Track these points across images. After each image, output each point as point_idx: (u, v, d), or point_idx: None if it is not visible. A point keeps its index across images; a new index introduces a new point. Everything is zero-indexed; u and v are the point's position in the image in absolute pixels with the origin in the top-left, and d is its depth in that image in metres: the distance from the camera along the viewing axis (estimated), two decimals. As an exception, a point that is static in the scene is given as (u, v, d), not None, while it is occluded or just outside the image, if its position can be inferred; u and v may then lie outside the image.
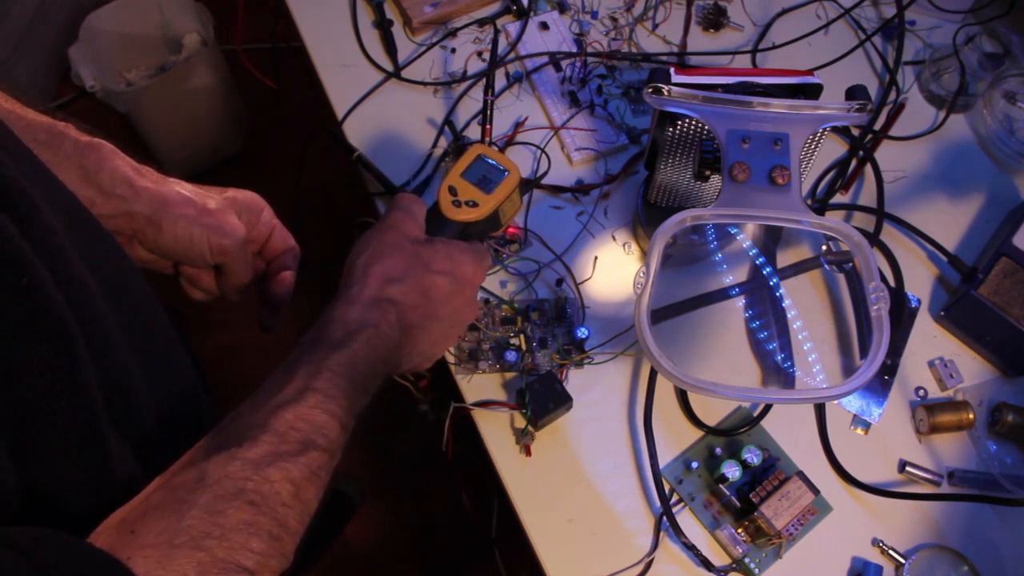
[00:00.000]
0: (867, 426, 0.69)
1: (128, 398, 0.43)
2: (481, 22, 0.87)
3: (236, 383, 1.42)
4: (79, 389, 0.37)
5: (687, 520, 0.64)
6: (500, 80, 0.83)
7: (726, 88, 0.62)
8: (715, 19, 0.88)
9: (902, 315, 0.73)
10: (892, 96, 0.84)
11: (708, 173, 0.67)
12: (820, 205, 0.78)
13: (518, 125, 0.80)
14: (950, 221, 0.79)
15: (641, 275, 0.56)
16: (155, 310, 0.50)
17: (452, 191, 0.60)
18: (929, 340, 0.73)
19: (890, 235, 0.77)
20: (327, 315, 0.50)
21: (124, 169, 0.53)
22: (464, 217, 0.60)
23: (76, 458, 0.37)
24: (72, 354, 0.37)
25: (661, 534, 0.63)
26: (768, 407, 0.68)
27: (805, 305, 0.74)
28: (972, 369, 0.72)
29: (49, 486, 0.37)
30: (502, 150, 0.78)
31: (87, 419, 0.38)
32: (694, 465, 0.66)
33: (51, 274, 0.36)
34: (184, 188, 0.56)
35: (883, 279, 0.70)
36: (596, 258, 0.74)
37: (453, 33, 0.86)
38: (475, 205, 0.60)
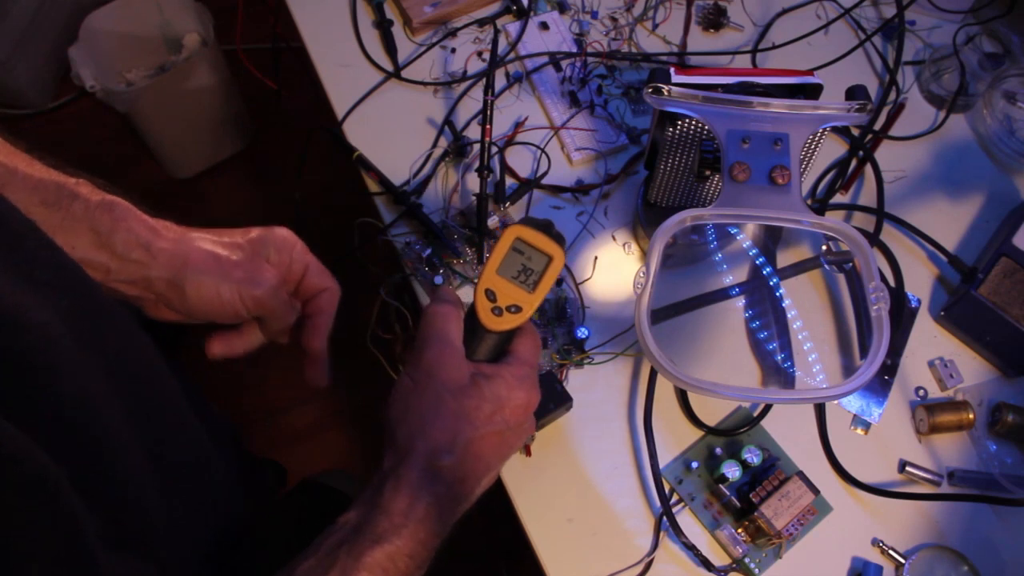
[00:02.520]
0: (867, 426, 0.69)
1: (129, 508, 0.41)
2: (481, 22, 0.87)
3: (238, 383, 1.42)
4: (60, 536, 0.33)
5: (687, 520, 0.64)
6: (500, 80, 0.83)
7: (726, 88, 0.62)
8: (715, 19, 0.88)
9: (902, 315, 0.73)
10: (892, 96, 0.84)
11: (708, 173, 0.67)
12: (820, 205, 0.78)
13: (518, 125, 0.80)
14: (950, 221, 0.79)
15: (641, 275, 0.56)
16: (165, 388, 0.48)
17: (490, 296, 0.52)
18: (929, 340, 0.73)
19: (890, 235, 0.77)
20: (372, 496, 0.46)
21: (139, 230, 0.49)
22: (508, 326, 0.52)
23: None
24: (51, 506, 0.33)
25: (661, 534, 0.63)
26: (768, 407, 0.68)
27: (805, 305, 0.74)
28: (972, 369, 0.72)
29: None
30: (502, 150, 0.78)
31: (69, 557, 0.34)
32: (694, 465, 0.66)
33: (43, 396, 0.34)
34: (205, 241, 0.52)
35: (883, 279, 0.70)
36: (596, 258, 0.74)
37: (453, 33, 0.86)
38: (518, 310, 0.52)
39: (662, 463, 0.65)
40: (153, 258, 0.49)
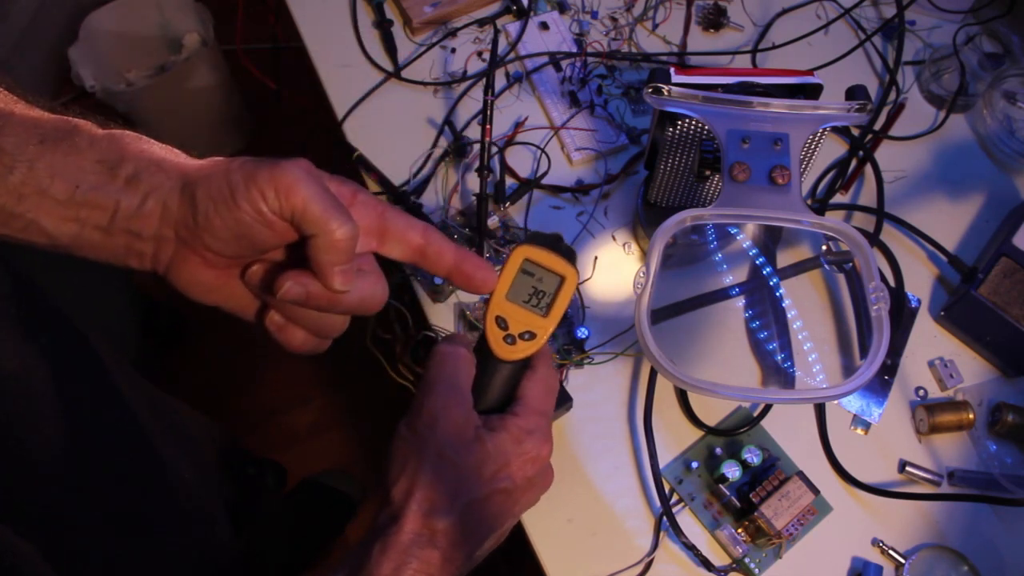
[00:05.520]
0: (867, 426, 0.69)
1: (107, 563, 0.39)
2: (481, 22, 0.87)
3: (238, 383, 1.42)
4: None
5: (687, 520, 0.64)
6: (500, 80, 0.83)
7: (726, 88, 0.62)
8: (715, 19, 0.88)
9: (902, 315, 0.73)
10: (892, 96, 0.84)
11: (708, 173, 0.67)
12: (820, 205, 0.78)
13: (518, 125, 0.80)
14: (950, 221, 0.79)
15: (641, 275, 0.56)
16: (148, 422, 0.47)
17: (501, 323, 0.49)
18: (929, 340, 0.73)
19: (890, 235, 0.77)
20: (358, 557, 0.43)
21: (151, 149, 0.43)
22: (522, 355, 0.49)
23: None
24: None
25: (661, 534, 0.63)
26: (768, 407, 0.68)
27: (805, 305, 0.74)
28: (972, 369, 0.72)
29: None
30: (501, 150, 0.78)
31: None
32: (694, 465, 0.66)
33: (13, 460, 0.33)
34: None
35: (883, 279, 0.70)
36: (596, 258, 0.74)
37: (453, 33, 0.86)
38: (532, 337, 0.49)
39: (662, 463, 0.65)
40: (167, 174, 0.42)
